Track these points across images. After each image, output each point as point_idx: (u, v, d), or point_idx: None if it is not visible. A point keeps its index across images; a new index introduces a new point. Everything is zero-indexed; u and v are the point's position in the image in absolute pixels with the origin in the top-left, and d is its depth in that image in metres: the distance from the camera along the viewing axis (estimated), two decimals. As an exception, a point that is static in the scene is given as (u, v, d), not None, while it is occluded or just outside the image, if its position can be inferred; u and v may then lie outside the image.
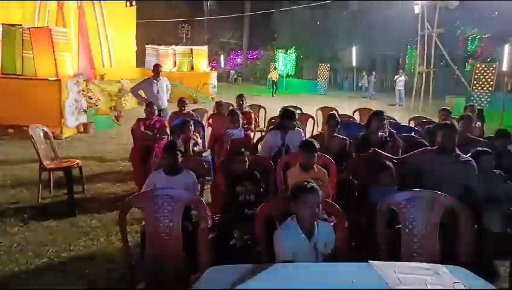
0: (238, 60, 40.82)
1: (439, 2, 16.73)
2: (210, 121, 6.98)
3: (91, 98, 10.11)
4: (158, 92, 7.64)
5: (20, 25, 9.52)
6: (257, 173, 3.80)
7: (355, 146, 4.71)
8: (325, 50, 30.35)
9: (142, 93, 7.85)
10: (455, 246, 2.60)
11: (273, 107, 10.28)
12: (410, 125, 6.91)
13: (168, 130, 5.69)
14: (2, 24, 9.36)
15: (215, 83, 19.27)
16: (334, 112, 5.12)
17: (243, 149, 3.79)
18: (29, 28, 9.21)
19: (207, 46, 21.05)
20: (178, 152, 3.54)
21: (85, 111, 9.71)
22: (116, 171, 6.77)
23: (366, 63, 28.07)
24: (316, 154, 3.61)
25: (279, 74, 26.28)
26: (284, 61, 28.31)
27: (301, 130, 4.70)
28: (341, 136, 4.77)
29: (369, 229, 3.02)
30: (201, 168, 3.87)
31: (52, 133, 8.93)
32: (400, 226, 2.73)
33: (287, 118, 4.51)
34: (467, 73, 21.03)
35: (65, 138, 9.14)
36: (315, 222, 2.40)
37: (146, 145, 5.44)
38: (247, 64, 38.66)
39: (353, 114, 8.77)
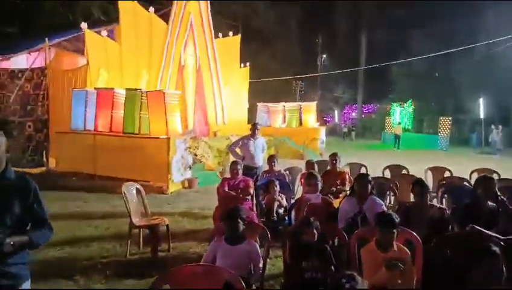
0: (353, 114, 40.26)
1: None
2: (302, 180, 6.70)
3: (196, 155, 10.63)
4: (254, 151, 7.67)
5: (140, 89, 10.65)
6: (328, 247, 3.36)
7: (457, 219, 3.97)
8: (447, 102, 28.18)
9: (239, 151, 7.99)
10: None
11: (380, 164, 9.51)
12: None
13: (251, 191, 5.56)
14: (126, 89, 10.58)
15: (324, 138, 19.01)
16: (422, 177, 4.41)
17: (312, 219, 3.43)
18: (146, 92, 10.22)
19: (316, 102, 21.13)
20: (239, 220, 3.33)
21: (190, 167, 10.21)
22: (206, 230, 6.79)
23: (496, 115, 25.22)
24: (394, 231, 3.07)
25: (401, 128, 25.35)
26: (400, 115, 27.02)
27: (377, 199, 4.14)
28: (437, 205, 4.09)
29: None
30: (265, 239, 3.57)
31: (159, 188, 9.75)
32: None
33: (361, 184, 4.04)
34: None
35: (170, 193, 9.63)
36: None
37: (229, 206, 5.36)
38: (362, 118, 37.82)
39: (470, 176, 7.70)
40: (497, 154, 20.24)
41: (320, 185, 4.61)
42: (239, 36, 19.29)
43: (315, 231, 3.37)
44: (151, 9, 13.92)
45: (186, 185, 10.20)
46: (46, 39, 12.10)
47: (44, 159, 11.93)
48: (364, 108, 38.70)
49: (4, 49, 13.38)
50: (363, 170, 8.43)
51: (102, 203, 8.48)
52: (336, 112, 39.68)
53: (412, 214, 3.99)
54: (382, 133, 29.72)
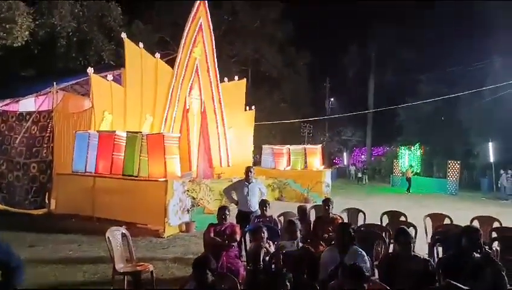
0: (362, 156, 40.08)
1: None
2: (294, 227, 6.57)
3: (194, 198, 10.58)
4: (248, 195, 7.58)
5: (141, 132, 10.80)
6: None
7: (442, 271, 3.82)
8: (456, 145, 27.89)
9: (234, 195, 7.93)
10: None
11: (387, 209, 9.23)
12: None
13: (238, 237, 5.45)
14: (127, 131, 10.73)
15: (329, 181, 18.85)
16: (404, 227, 4.24)
17: (284, 270, 3.32)
18: (146, 135, 10.35)
19: (320, 145, 21.14)
20: (208, 271, 3.24)
21: (188, 210, 10.13)
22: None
23: (506, 159, 24.80)
24: (364, 284, 2.95)
25: (412, 171, 25.37)
26: (408, 158, 26.81)
27: (359, 250, 3.99)
28: (421, 256, 3.94)
29: None
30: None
31: (156, 231, 9.65)
32: None
33: (341, 234, 3.93)
34: None
35: (167, 236, 9.50)
36: None
37: (215, 253, 5.25)
38: (371, 161, 37.55)
39: (471, 223, 7.48)
40: (508, 200, 19.74)
41: (298, 233, 4.50)
42: (244, 80, 19.71)
43: (288, 283, 3.26)
44: (157, 54, 14.37)
45: (184, 228, 10.08)
46: (54, 83, 12.48)
47: (46, 200, 11.98)
48: (374, 151, 38.55)
49: (14, 92, 13.82)
50: (360, 216, 8.27)
51: (96, 246, 8.37)
52: (345, 154, 39.56)
53: (395, 265, 3.86)
54: (391, 176, 29.39)
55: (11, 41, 13.77)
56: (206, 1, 16.34)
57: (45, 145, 12.39)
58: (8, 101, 13.12)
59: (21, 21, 13.54)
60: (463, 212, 12.28)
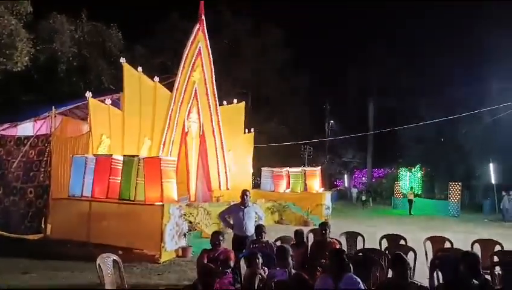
0: (363, 178, 39.88)
1: None
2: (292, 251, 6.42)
3: (191, 222, 10.44)
4: (243, 219, 7.47)
5: (137, 155, 10.75)
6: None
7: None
8: (457, 167, 27.77)
9: (229, 219, 7.82)
10: None
11: (379, 233, 9.09)
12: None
13: (231, 263, 5.32)
14: (124, 155, 10.69)
15: (329, 204, 18.67)
16: (400, 253, 4.11)
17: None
18: (143, 158, 10.30)
19: (320, 167, 21.04)
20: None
21: (185, 235, 9.98)
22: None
23: (508, 181, 24.63)
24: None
25: (414, 193, 25.27)
26: (409, 180, 26.68)
27: (353, 277, 3.86)
28: (418, 283, 3.81)
29: None
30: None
31: (152, 256, 9.47)
32: None
33: (335, 261, 3.81)
34: None
35: (163, 262, 9.32)
36: None
37: (208, 280, 5.11)
38: (372, 183, 37.34)
39: (472, 247, 7.34)
40: (511, 222, 19.47)
41: (290, 259, 4.37)
42: (243, 103, 19.79)
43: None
44: (156, 78, 14.46)
45: (180, 253, 9.91)
46: (53, 107, 12.52)
47: (43, 225, 11.84)
48: (374, 172, 38.41)
49: (14, 116, 13.86)
50: (359, 240, 8.12)
51: (89, 273, 8.17)
52: (346, 176, 39.40)
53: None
54: (392, 198, 29.18)
55: (11, 66, 13.90)
56: (205, 28, 16.51)
57: (42, 170, 12.31)
58: (6, 125, 13.14)
59: (21, 46, 13.71)
60: (465, 235, 12.12)
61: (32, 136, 12.59)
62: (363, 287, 3.87)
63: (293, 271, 4.42)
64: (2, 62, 13.70)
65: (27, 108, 14.92)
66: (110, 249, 9.48)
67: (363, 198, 30.15)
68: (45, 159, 12.32)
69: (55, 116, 12.54)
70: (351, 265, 4.01)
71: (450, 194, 23.55)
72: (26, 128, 13.09)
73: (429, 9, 32.58)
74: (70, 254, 9.69)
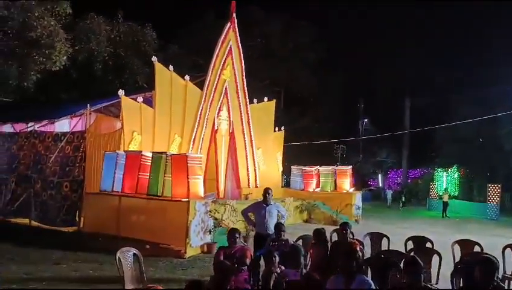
0: (398, 179, 38.87)
1: None
2: (311, 251, 6.37)
3: (216, 219, 10.55)
4: (265, 217, 7.49)
5: (166, 152, 10.99)
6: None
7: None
8: (497, 168, 26.58)
9: (252, 216, 7.87)
10: None
11: (411, 235, 8.75)
12: None
13: (248, 261, 5.35)
14: (153, 152, 10.95)
15: (360, 204, 18.37)
16: (415, 256, 4.01)
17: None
18: (171, 155, 10.52)
19: (351, 166, 20.71)
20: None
21: (210, 231, 10.11)
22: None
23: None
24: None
25: (449, 195, 24.43)
26: (446, 181, 25.78)
27: (366, 279, 3.78)
28: (433, 287, 3.71)
29: None
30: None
31: (178, 251, 9.65)
32: None
33: (347, 262, 3.75)
34: None
35: (188, 257, 9.49)
36: None
37: (223, 277, 5.16)
38: (408, 184, 36.33)
39: (503, 252, 7.08)
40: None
41: (302, 259, 4.34)
42: (274, 102, 19.78)
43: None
44: (187, 77, 14.70)
45: (205, 249, 10.05)
46: (88, 105, 12.98)
47: (77, 218, 12.32)
48: (410, 173, 37.37)
49: (52, 113, 14.47)
50: (384, 241, 7.96)
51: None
52: (380, 176, 38.57)
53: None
54: (427, 199, 28.33)
55: (50, 65, 14.51)
56: (236, 26, 16.61)
57: (77, 165, 12.81)
58: (45, 122, 13.75)
59: (60, 46, 14.28)
60: (500, 239, 11.59)
61: (69, 132, 13.11)
62: (375, 289, 3.80)
63: (304, 271, 4.39)
64: (41, 62, 14.32)
65: (64, 106, 15.53)
66: (138, 243, 9.77)
67: (403, 199, 29.19)
68: (80, 154, 12.81)
69: (90, 114, 12.99)
70: (363, 267, 3.94)
71: (489, 196, 22.61)
72: (63, 125, 13.63)
73: (467, 6, 31.09)
74: (100, 247, 10.03)
